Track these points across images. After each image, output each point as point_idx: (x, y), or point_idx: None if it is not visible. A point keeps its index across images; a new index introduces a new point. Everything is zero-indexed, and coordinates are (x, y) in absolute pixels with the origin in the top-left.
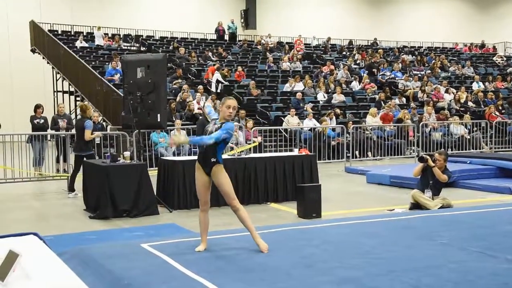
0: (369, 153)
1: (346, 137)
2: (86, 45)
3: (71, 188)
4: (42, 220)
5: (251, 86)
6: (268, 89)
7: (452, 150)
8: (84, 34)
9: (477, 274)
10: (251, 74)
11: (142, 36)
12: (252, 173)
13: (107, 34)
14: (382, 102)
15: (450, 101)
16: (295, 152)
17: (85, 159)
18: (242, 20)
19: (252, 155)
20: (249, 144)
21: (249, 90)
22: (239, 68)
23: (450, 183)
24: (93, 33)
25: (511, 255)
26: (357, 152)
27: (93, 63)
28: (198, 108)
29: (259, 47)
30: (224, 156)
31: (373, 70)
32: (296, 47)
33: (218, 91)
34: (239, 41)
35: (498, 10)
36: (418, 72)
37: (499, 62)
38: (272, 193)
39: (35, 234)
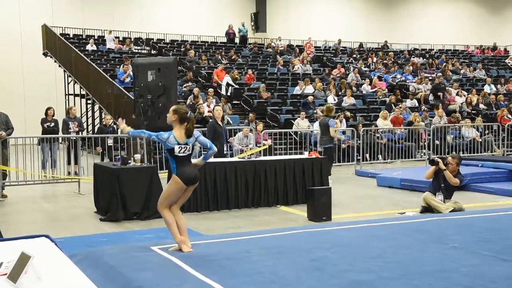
0: (380, 156)
1: (357, 140)
2: (97, 48)
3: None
4: (53, 222)
5: (261, 89)
6: (278, 92)
7: (463, 153)
8: (95, 37)
9: (489, 278)
10: (261, 77)
11: (152, 39)
12: (262, 176)
13: (118, 37)
14: (392, 105)
15: (462, 104)
16: (305, 155)
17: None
18: (252, 23)
19: (262, 158)
20: (259, 147)
21: (259, 93)
22: (249, 71)
23: (462, 186)
24: (104, 36)
25: None
26: (367, 155)
27: (104, 66)
28: (208, 111)
29: (269, 50)
30: (234, 159)
31: (439, 93)
32: (306, 50)
33: (229, 94)
34: (249, 44)
35: (510, 12)
36: (429, 75)
37: (511, 65)
38: (282, 196)
39: (46, 236)
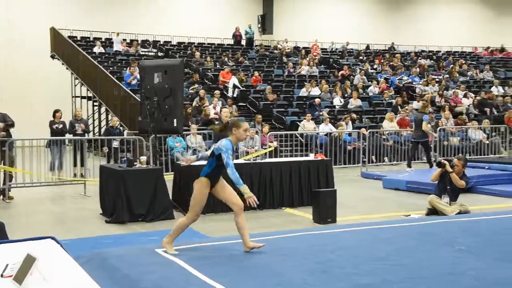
0: (386, 158)
1: (363, 142)
2: (104, 50)
3: (409, 165)
4: (59, 224)
5: (267, 91)
6: (284, 94)
7: (470, 155)
8: (103, 40)
9: (495, 281)
10: (268, 79)
11: (159, 41)
12: (267, 177)
13: (125, 39)
14: (399, 106)
15: (469, 105)
16: (311, 157)
17: (420, 145)
18: (259, 25)
19: (268, 160)
20: (265, 149)
21: (265, 95)
22: (256, 73)
23: (468, 188)
24: (111, 39)
25: None
26: (373, 157)
27: (111, 68)
28: (215, 113)
29: (275, 52)
30: (240, 160)
31: (486, 109)
32: (313, 52)
33: (235, 96)
34: (256, 46)
35: None
36: (436, 77)
37: None
38: (287, 198)
39: (52, 238)
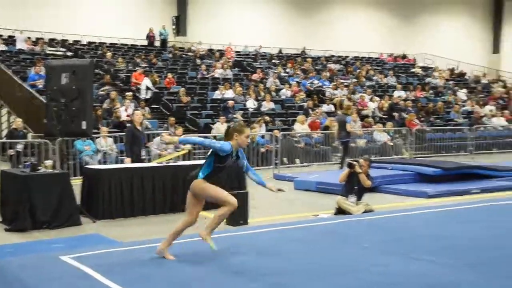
0: (297, 160)
1: (275, 144)
2: (7, 48)
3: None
4: None
5: (181, 93)
6: (198, 96)
7: (375, 157)
8: (5, 37)
9: (400, 276)
10: (181, 81)
11: (68, 41)
12: (180, 180)
13: (30, 38)
14: (310, 109)
15: (374, 109)
16: None
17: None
18: (173, 27)
19: (181, 162)
20: (178, 151)
21: (179, 97)
22: (169, 75)
23: (373, 188)
24: (14, 36)
25: (430, 256)
26: (285, 159)
27: (13, 67)
28: (126, 115)
29: (189, 54)
30: (152, 163)
31: (394, 114)
32: (226, 54)
33: (147, 97)
34: (170, 47)
35: (418, 22)
36: (345, 81)
37: (418, 73)
38: None
39: None
